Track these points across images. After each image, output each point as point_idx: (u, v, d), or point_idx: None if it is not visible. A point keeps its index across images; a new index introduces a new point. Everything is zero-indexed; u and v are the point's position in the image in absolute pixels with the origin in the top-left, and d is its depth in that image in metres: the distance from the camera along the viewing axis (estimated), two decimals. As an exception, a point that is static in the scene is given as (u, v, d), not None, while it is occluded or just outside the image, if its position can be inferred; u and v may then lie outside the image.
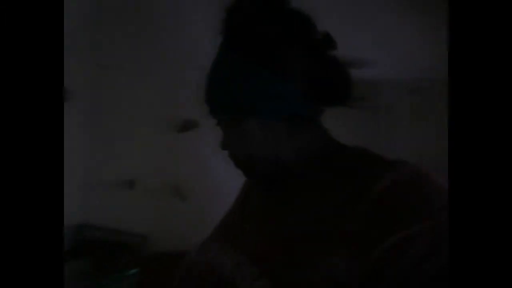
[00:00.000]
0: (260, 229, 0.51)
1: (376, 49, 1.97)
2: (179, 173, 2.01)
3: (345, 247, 0.40)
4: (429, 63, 1.83)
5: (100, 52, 2.62)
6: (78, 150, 2.84)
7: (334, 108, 0.51)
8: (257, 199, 0.59)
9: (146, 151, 2.32)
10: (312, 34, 0.50)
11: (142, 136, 2.34)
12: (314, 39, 0.50)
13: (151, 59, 2.01)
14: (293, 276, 0.41)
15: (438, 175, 0.43)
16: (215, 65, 0.52)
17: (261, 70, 0.47)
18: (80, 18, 2.79)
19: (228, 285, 0.44)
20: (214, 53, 0.53)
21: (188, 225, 1.74)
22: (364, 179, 0.44)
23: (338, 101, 0.51)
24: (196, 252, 0.54)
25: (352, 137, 0.55)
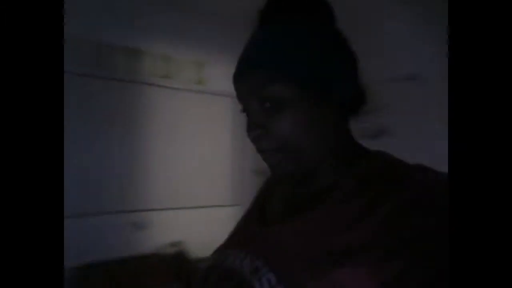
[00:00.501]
0: (279, 233, 0.49)
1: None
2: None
3: (361, 258, 0.39)
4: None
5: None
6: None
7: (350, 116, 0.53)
8: (277, 203, 0.57)
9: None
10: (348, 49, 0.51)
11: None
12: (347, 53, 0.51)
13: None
14: (309, 284, 0.40)
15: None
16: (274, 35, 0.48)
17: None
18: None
19: None
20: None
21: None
22: (383, 185, 0.44)
23: (353, 112, 0.52)
24: (214, 258, 0.53)
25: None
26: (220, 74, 2.77)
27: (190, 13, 2.46)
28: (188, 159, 2.68)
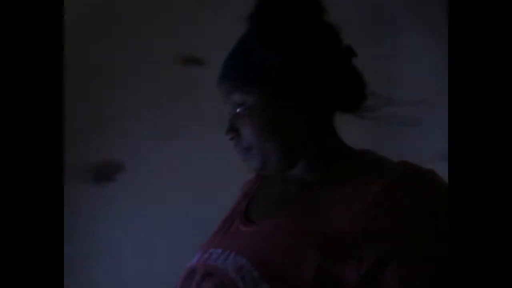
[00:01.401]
0: (262, 231, 0.50)
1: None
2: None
3: (342, 254, 0.40)
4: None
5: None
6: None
7: (345, 114, 0.53)
8: (260, 202, 0.58)
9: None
10: (337, 44, 0.52)
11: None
12: (338, 49, 0.52)
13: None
14: (293, 281, 0.41)
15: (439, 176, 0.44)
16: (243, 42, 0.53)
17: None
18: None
19: None
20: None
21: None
22: (364, 181, 0.45)
23: (350, 108, 0.52)
24: (198, 257, 0.54)
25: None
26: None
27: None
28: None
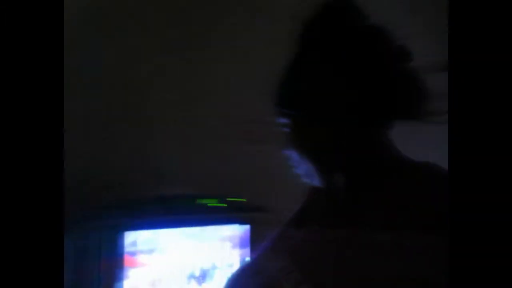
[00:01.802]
0: (311, 239, 0.51)
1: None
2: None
3: (386, 257, 0.41)
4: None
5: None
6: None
7: (407, 122, 0.50)
8: (314, 211, 0.58)
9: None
10: (387, 47, 0.50)
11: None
12: (389, 52, 0.50)
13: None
14: (335, 284, 0.43)
15: None
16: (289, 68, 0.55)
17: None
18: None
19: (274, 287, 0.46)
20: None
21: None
22: (426, 198, 0.44)
23: (411, 115, 0.50)
24: (250, 259, 0.56)
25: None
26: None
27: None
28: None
